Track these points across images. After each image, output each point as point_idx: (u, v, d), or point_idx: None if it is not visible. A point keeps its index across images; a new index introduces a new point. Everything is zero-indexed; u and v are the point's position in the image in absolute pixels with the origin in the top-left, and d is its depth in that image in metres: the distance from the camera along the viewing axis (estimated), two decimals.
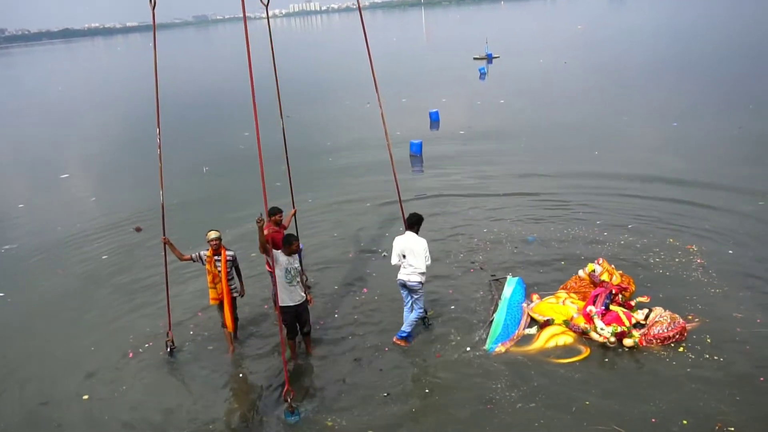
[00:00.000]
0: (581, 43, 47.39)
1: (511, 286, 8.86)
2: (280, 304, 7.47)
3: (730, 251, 9.75)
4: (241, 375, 7.83)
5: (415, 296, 7.93)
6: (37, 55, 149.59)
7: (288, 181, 9.80)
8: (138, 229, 13.28)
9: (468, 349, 7.76)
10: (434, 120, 22.47)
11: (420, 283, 7.84)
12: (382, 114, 7.86)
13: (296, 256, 7.62)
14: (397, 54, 51.93)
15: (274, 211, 8.61)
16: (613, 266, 8.85)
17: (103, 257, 12.05)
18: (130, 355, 8.38)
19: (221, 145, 21.20)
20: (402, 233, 8.06)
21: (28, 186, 19.33)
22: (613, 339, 7.48)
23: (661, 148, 16.16)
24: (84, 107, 39.36)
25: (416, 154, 17.55)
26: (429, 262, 7.84)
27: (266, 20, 9.13)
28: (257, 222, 6.84)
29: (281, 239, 7.68)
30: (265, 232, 7.12)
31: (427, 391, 7.09)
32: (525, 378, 7.09)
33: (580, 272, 8.92)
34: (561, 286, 8.89)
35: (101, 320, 9.46)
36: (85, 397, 7.51)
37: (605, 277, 8.55)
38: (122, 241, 12.85)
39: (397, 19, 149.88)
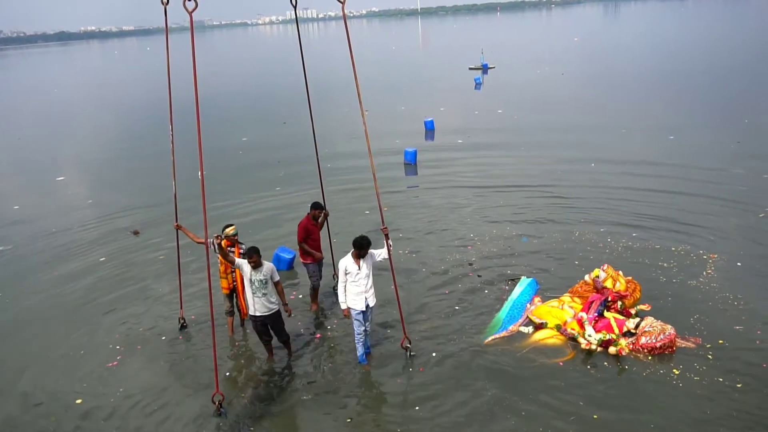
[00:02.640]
0: (577, 55, 47.68)
1: (521, 286, 9.00)
2: (249, 312, 7.63)
3: (739, 263, 9.80)
4: (246, 369, 7.88)
5: None
6: (32, 57, 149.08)
7: (320, 186, 10.08)
8: (136, 233, 13.26)
9: (453, 358, 7.75)
10: (429, 129, 22.47)
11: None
12: (365, 129, 7.84)
13: (261, 268, 7.37)
14: (395, 62, 52.14)
15: (316, 206, 8.93)
16: (619, 272, 8.87)
17: (101, 259, 12.01)
18: (123, 356, 8.38)
19: (219, 150, 21.13)
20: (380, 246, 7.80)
21: (23, 188, 19.21)
22: (595, 345, 7.58)
23: (659, 160, 16.19)
24: (80, 110, 39.22)
25: (411, 162, 17.58)
26: (338, 284, 7.70)
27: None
28: (215, 238, 7.53)
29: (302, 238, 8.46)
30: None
31: (417, 408, 6.97)
32: (515, 388, 7.10)
33: (586, 277, 8.98)
34: (568, 290, 8.94)
35: (97, 322, 9.43)
36: (78, 401, 7.46)
37: (608, 283, 8.60)
38: (119, 243, 12.82)
39: (395, 28, 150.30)
